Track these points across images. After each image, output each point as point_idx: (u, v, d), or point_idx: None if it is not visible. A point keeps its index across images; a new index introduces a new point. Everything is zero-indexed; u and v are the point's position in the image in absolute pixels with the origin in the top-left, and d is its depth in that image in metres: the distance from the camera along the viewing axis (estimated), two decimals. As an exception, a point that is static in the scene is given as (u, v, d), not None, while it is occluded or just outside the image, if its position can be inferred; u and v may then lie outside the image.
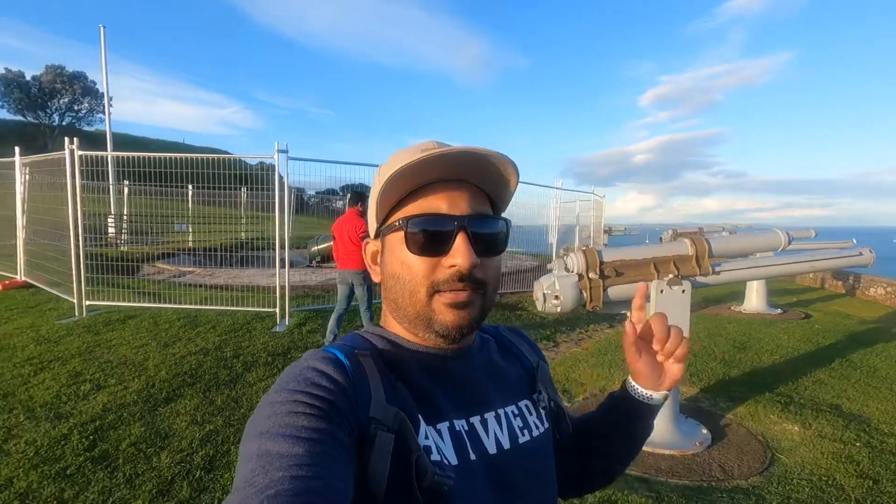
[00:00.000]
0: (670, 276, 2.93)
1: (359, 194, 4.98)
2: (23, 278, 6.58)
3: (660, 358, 0.69)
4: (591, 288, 2.97)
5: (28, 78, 41.20)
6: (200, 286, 7.30)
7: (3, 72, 39.53)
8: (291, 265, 10.93)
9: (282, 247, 5.35)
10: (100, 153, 5.50)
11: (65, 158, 5.09)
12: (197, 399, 3.35)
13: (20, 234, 6.69)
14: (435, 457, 0.56)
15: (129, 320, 5.02)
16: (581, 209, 13.43)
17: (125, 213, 10.89)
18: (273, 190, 5.32)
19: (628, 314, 0.76)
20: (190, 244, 10.93)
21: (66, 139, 5.10)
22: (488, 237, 0.62)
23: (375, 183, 0.64)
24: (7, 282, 6.54)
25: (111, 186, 10.87)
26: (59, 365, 3.83)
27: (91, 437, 2.80)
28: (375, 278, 0.68)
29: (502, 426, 0.64)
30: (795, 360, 4.78)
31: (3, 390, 3.38)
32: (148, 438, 2.83)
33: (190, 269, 9.27)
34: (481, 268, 0.61)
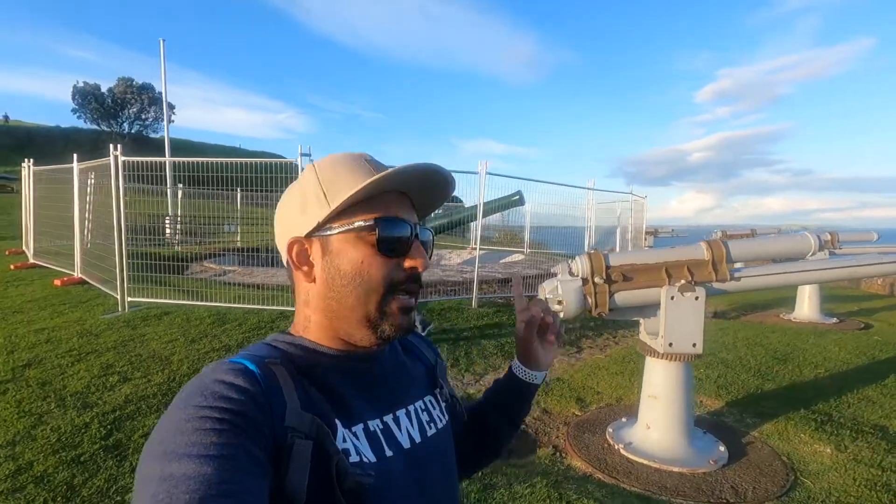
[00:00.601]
0: (682, 281, 2.75)
1: None
2: (79, 275, 7.11)
3: (550, 339, 0.83)
4: (595, 293, 2.84)
5: (104, 90, 44.78)
6: (237, 285, 7.60)
7: (82, 85, 43.17)
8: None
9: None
10: (142, 158, 5.86)
11: (110, 164, 5.46)
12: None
13: (77, 235, 7.24)
14: (354, 458, 0.58)
15: (165, 316, 5.31)
16: (623, 210, 13.06)
17: (179, 214, 11.61)
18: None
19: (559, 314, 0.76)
20: (238, 244, 11.46)
21: (111, 146, 5.47)
22: (427, 244, 0.69)
23: (310, 180, 0.66)
24: (65, 278, 7.08)
25: (168, 190, 11.63)
26: (95, 357, 4.10)
27: (109, 427, 2.97)
28: (304, 279, 0.66)
29: (413, 421, 0.70)
30: (843, 375, 4.38)
31: (42, 379, 3.66)
32: (159, 430, 2.97)
33: (232, 268, 9.68)
34: None
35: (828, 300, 7.49)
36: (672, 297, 2.74)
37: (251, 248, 11.18)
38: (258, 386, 0.55)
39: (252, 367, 0.57)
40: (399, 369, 0.74)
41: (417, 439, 0.68)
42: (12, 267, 8.33)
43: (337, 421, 0.59)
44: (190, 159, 6.16)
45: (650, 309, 2.90)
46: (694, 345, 2.77)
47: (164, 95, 17.52)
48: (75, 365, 3.93)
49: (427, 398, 0.75)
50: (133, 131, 46.05)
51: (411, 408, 0.71)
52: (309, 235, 0.65)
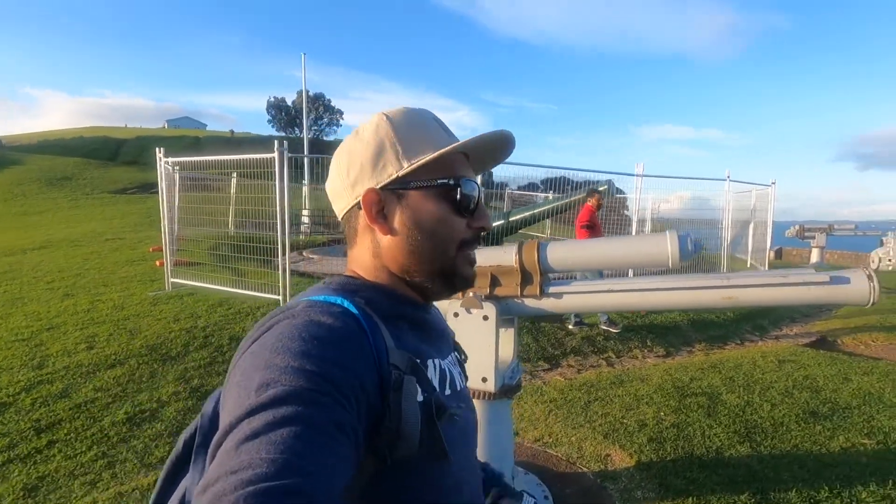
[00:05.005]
0: (469, 294, 2.09)
1: (593, 190, 6.01)
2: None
3: None
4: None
5: (289, 103, 53.06)
6: (292, 273, 8.21)
7: (273, 99, 51.89)
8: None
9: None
10: (190, 158, 6.79)
11: (168, 168, 6.46)
12: (140, 369, 3.85)
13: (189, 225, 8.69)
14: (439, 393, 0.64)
15: (188, 297, 6.02)
16: (757, 200, 10.89)
17: (306, 208, 13.35)
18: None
19: None
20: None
21: (159, 150, 6.47)
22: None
23: (385, 133, 0.67)
24: (162, 261, 8.56)
25: (305, 186, 13.27)
26: (95, 326, 4.83)
27: (35, 387, 3.51)
28: (382, 232, 0.67)
29: (455, 370, 0.74)
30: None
31: (43, 340, 4.45)
32: (65, 398, 3.40)
33: (311, 255, 10.53)
34: None
35: None
36: (455, 314, 2.11)
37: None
38: (361, 329, 0.56)
39: (351, 307, 0.58)
40: (440, 322, 0.77)
41: (461, 386, 0.73)
42: (150, 250, 10.40)
43: (418, 360, 0.62)
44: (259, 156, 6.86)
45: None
46: (484, 379, 2.09)
47: (304, 96, 20.04)
48: (79, 331, 4.70)
49: (454, 355, 0.79)
50: (310, 136, 53.77)
51: (450, 358, 0.74)
52: (384, 188, 0.66)
